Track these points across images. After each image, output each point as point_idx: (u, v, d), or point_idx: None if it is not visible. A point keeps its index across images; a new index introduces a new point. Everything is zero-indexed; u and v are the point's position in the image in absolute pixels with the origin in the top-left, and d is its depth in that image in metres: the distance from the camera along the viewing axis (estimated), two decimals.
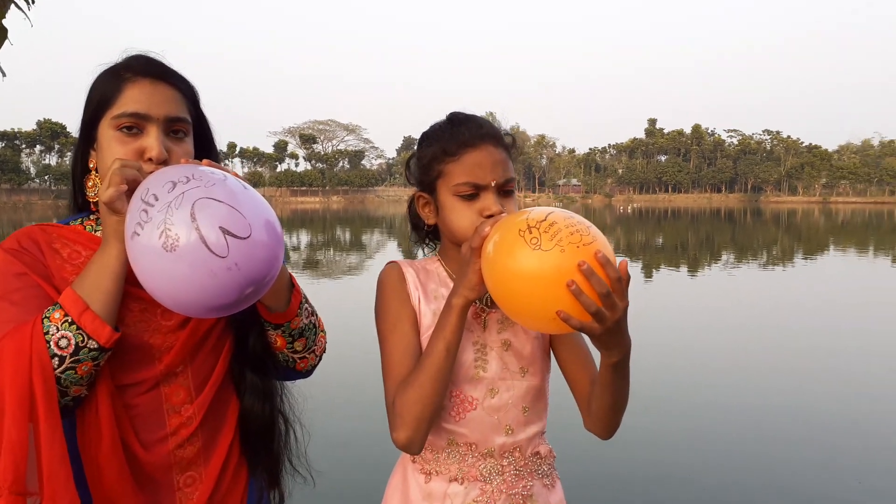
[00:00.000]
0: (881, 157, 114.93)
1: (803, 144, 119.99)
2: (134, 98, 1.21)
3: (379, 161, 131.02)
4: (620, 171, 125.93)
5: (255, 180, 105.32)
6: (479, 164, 1.35)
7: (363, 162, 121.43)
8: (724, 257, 20.13)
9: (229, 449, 1.32)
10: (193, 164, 1.15)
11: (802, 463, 4.45)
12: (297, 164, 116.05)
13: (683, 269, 16.80)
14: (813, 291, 12.67)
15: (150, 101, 1.21)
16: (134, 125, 1.21)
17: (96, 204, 1.29)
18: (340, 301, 10.94)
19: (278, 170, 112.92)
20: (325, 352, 1.45)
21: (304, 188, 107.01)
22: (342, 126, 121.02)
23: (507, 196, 1.38)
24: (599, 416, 1.38)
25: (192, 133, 1.29)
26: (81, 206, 1.33)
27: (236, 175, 1.17)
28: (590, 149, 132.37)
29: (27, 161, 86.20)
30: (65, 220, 1.32)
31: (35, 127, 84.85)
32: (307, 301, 1.37)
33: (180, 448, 1.26)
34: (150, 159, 1.20)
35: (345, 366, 6.25)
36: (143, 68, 1.24)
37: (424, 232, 1.52)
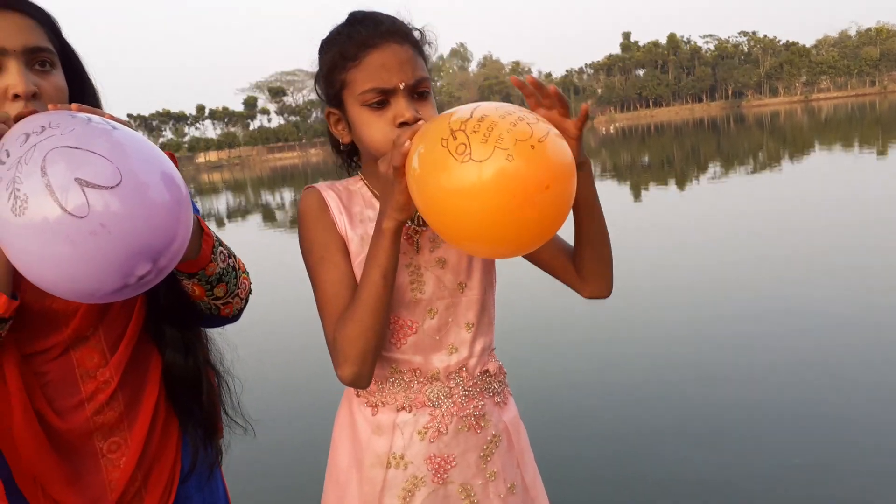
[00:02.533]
0: (859, 46, 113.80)
1: (780, 43, 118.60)
2: None
3: None
4: (599, 91, 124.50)
5: (229, 140, 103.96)
6: (384, 66, 1.21)
7: None
8: (710, 169, 19.87)
9: (155, 408, 1.27)
10: (58, 111, 1.00)
11: (804, 371, 4.17)
12: (269, 120, 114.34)
13: (672, 185, 16.50)
14: (802, 194, 12.39)
15: (2, 34, 1.08)
16: None
17: None
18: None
19: (251, 128, 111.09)
20: (250, 293, 1.37)
21: (280, 144, 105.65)
22: (310, 74, 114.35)
23: (422, 99, 1.24)
24: (596, 274, 1.35)
25: (62, 67, 1.17)
26: None
27: (112, 117, 1.04)
28: (566, 71, 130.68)
29: None
30: None
31: None
32: (221, 244, 1.26)
33: (99, 413, 1.21)
34: (15, 96, 1.07)
35: (288, 310, 6.28)
36: None
37: (345, 153, 1.38)
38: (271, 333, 5.80)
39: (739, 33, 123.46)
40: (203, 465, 1.34)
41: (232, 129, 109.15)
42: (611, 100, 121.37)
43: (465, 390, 1.35)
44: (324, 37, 1.31)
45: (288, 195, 28.94)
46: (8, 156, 0.95)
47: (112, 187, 0.92)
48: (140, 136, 1.01)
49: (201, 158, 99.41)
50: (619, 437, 3.75)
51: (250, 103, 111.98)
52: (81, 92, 1.22)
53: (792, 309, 5.71)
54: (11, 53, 1.08)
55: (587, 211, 1.27)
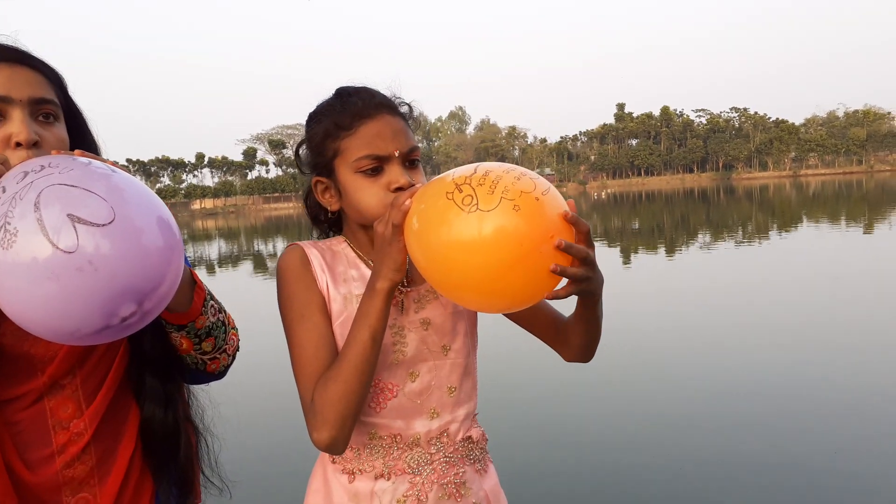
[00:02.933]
0: (846, 127, 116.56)
1: (770, 119, 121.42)
2: None
3: None
4: (593, 157, 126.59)
5: (226, 189, 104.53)
6: (379, 135, 1.24)
7: None
8: (700, 237, 20.13)
9: (129, 463, 1.21)
10: (63, 155, 1.03)
11: (795, 436, 4.23)
12: (267, 171, 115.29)
13: (661, 251, 16.70)
14: (789, 265, 12.60)
15: (9, 84, 1.12)
16: None
17: None
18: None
19: (249, 177, 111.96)
20: (238, 350, 1.34)
21: (276, 194, 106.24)
22: None
23: (413, 167, 1.28)
24: (583, 347, 1.35)
25: (65, 122, 1.20)
26: None
27: (114, 164, 1.06)
28: (561, 137, 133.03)
29: None
30: None
31: None
32: (212, 297, 1.26)
33: (69, 467, 1.16)
34: (18, 144, 1.10)
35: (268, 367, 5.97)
36: None
37: (327, 223, 1.40)
38: (253, 390, 5.69)
39: (731, 109, 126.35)
40: None
41: (230, 178, 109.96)
42: (603, 166, 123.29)
43: (445, 457, 1.31)
44: (312, 110, 1.34)
45: (280, 244, 28.84)
46: (3, 192, 0.96)
47: (104, 225, 0.91)
48: (138, 181, 1.03)
49: (197, 205, 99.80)
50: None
51: (250, 154, 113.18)
52: (82, 146, 1.23)
53: (771, 377, 5.80)
54: (17, 103, 1.12)
55: (592, 302, 1.24)
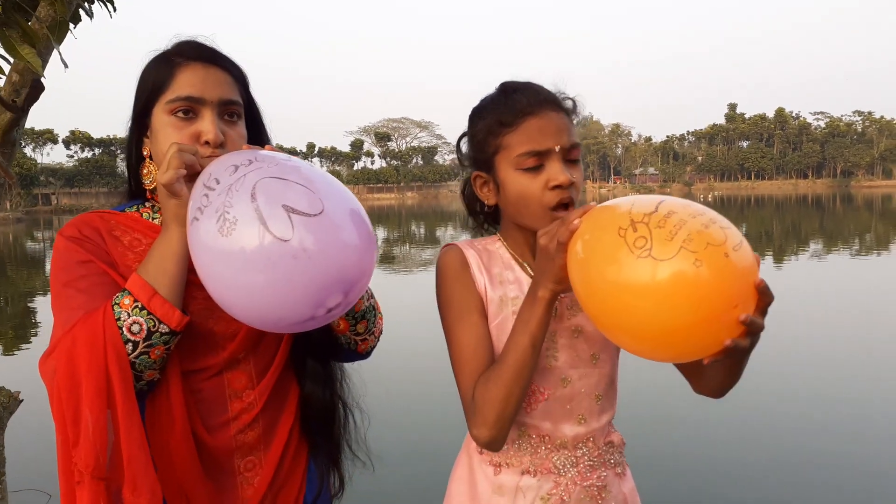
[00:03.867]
0: None
1: None
2: (187, 82, 1.20)
3: (452, 156, 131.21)
4: (700, 158, 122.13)
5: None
6: (541, 131, 1.24)
7: (436, 158, 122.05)
8: (811, 246, 19.32)
9: (289, 434, 1.31)
10: (256, 149, 1.13)
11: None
12: (372, 162, 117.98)
13: (768, 258, 16.28)
14: None
15: (203, 85, 1.21)
16: (189, 109, 1.20)
17: (152, 192, 1.29)
18: (406, 289, 10.97)
19: (355, 168, 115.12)
20: (381, 333, 1.42)
21: (379, 185, 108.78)
22: (415, 123, 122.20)
23: (573, 164, 1.27)
24: (717, 387, 1.26)
25: (244, 118, 1.28)
26: (136, 194, 1.33)
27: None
28: (667, 136, 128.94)
29: (122, 166, 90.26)
30: (119, 206, 1.31)
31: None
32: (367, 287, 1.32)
33: (241, 433, 1.26)
34: (206, 143, 1.19)
35: (406, 353, 6.33)
36: (194, 53, 1.23)
37: (483, 215, 1.42)
38: (398, 372, 5.91)
39: (853, 112, 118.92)
40: (326, 494, 1.38)
41: (337, 168, 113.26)
42: (711, 168, 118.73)
43: (590, 460, 1.33)
44: (476, 105, 1.35)
45: (381, 232, 29.35)
46: (218, 183, 1.02)
47: (315, 215, 0.95)
48: (333, 177, 1.08)
49: None
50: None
51: (357, 145, 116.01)
52: (258, 139, 1.31)
53: (883, 391, 5.68)
54: (209, 104, 1.20)
55: (742, 358, 1.13)
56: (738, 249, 0.94)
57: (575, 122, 1.31)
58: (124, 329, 1.08)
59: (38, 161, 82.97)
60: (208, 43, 1.26)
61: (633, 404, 4.95)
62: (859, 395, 5.58)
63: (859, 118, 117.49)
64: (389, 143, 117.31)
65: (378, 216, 48.97)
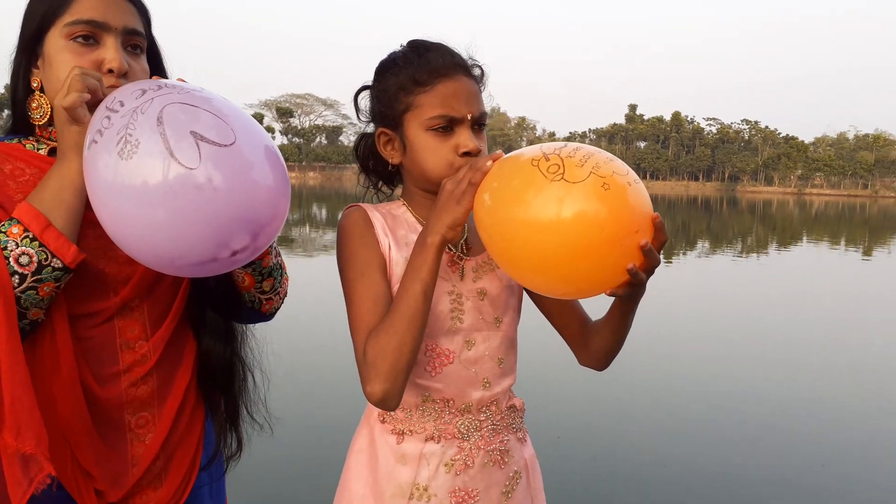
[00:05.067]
0: (855, 150, 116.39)
1: (780, 135, 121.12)
2: (90, 5, 1.12)
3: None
4: None
5: None
6: (455, 95, 1.23)
7: (341, 138, 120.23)
8: (699, 245, 20.19)
9: (185, 391, 1.26)
10: (168, 80, 1.05)
11: (766, 452, 4.34)
12: (273, 138, 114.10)
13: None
14: (784, 282, 12.71)
15: (106, 9, 1.13)
16: (90, 34, 1.12)
17: (41, 128, 1.19)
18: (306, 270, 10.72)
19: None
20: (286, 295, 1.38)
21: None
22: (320, 101, 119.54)
23: (480, 133, 1.28)
24: (604, 353, 1.35)
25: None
26: (19, 129, 1.21)
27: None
28: (570, 133, 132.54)
29: None
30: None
31: (2, 91, 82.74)
32: (274, 243, 1.26)
33: (133, 386, 1.19)
34: (109, 70, 1.11)
35: (313, 317, 6.42)
36: None
37: (381, 176, 1.40)
38: (303, 335, 5.99)
39: (742, 121, 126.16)
40: (222, 456, 1.34)
41: None
42: None
43: (493, 424, 1.34)
44: (383, 58, 1.32)
45: None
46: (122, 105, 0.96)
47: (226, 146, 0.89)
48: (245, 112, 1.03)
49: None
50: (629, 476, 3.93)
51: (257, 119, 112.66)
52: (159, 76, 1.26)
53: (750, 390, 5.93)
54: (112, 30, 1.13)
55: (629, 309, 1.24)
56: (638, 183, 1.02)
57: (482, 90, 1.31)
58: (11, 259, 1.01)
59: None
60: None
61: (531, 374, 5.01)
62: (737, 387, 5.82)
63: (747, 126, 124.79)
64: (292, 120, 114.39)
65: None
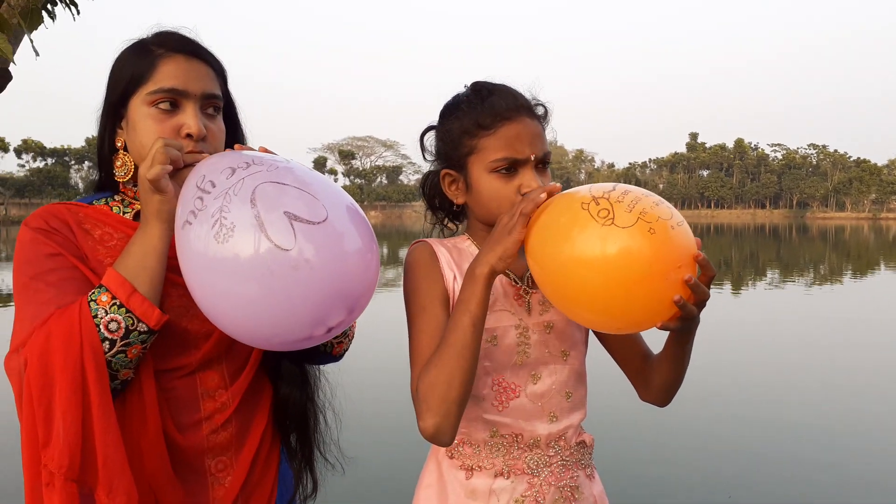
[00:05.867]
0: None
1: (851, 159, 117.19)
2: (170, 73, 1.17)
3: (416, 176, 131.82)
4: (661, 186, 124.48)
5: None
6: (518, 137, 1.25)
7: (401, 177, 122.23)
8: (769, 275, 19.61)
9: (262, 435, 1.29)
10: (250, 151, 1.09)
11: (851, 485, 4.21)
12: (336, 180, 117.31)
13: (727, 286, 16.40)
14: (861, 310, 12.21)
15: (186, 77, 1.18)
16: (171, 101, 1.17)
17: (125, 184, 1.26)
18: (371, 305, 10.81)
19: None
20: (354, 336, 1.41)
21: None
22: (380, 142, 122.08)
23: (544, 172, 1.29)
24: (664, 388, 1.34)
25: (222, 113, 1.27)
26: (104, 186, 1.28)
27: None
28: (629, 163, 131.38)
29: (76, 177, 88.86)
30: (86, 199, 1.26)
31: (83, 144, 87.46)
32: None
33: (214, 433, 1.23)
34: (188, 136, 1.16)
35: (376, 364, 6.43)
36: (177, 44, 1.20)
37: (447, 213, 1.42)
38: (371, 374, 6.03)
39: (809, 145, 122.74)
40: (299, 497, 1.37)
41: None
42: (672, 196, 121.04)
43: (562, 460, 1.32)
44: (448, 101, 1.34)
45: None
46: (213, 186, 0.98)
47: (319, 223, 0.90)
48: (330, 180, 1.06)
49: None
50: None
51: (320, 162, 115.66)
52: (234, 135, 1.31)
53: (832, 419, 5.74)
54: (192, 97, 1.18)
55: (686, 339, 1.24)
56: (682, 225, 1.08)
57: (547, 124, 1.32)
58: (101, 326, 1.05)
59: None
60: (191, 35, 1.24)
61: (597, 408, 4.86)
62: (815, 419, 5.63)
63: (814, 151, 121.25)
64: (353, 162, 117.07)
65: None
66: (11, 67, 2.09)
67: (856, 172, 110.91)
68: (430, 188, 1.40)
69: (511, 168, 1.25)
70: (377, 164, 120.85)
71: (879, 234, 50.83)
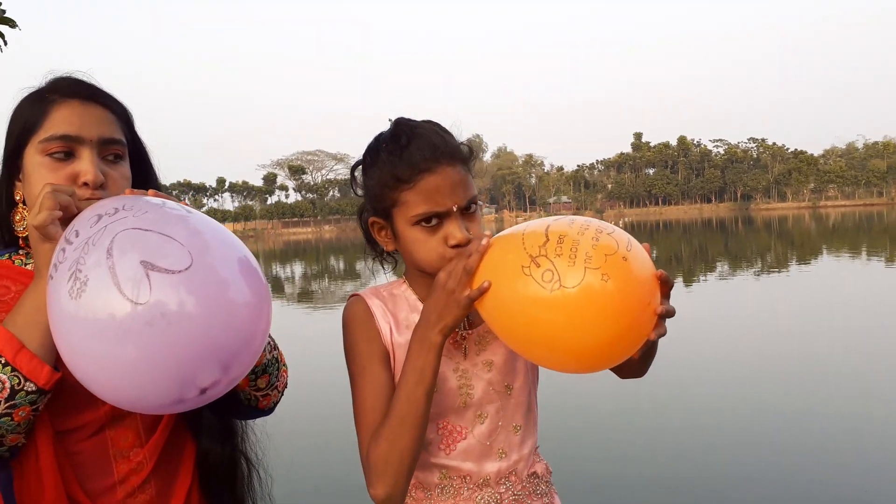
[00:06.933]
0: (866, 158, 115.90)
1: (789, 150, 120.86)
2: (63, 120, 1.12)
3: None
4: (610, 186, 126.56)
5: (246, 213, 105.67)
6: (438, 190, 1.21)
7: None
8: (718, 267, 20.08)
9: (187, 495, 1.22)
10: (135, 195, 1.03)
11: (789, 470, 4.34)
12: (287, 196, 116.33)
13: (678, 281, 16.74)
14: (807, 297, 12.60)
15: (80, 122, 1.13)
16: (65, 149, 1.11)
17: (25, 240, 1.18)
18: (324, 322, 10.71)
19: (269, 202, 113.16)
20: (286, 387, 1.34)
21: (295, 219, 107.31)
22: (330, 156, 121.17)
23: (470, 217, 1.26)
24: (640, 370, 1.29)
25: (129, 157, 1.21)
26: (8, 242, 1.21)
27: (186, 204, 1.04)
28: (578, 165, 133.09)
29: None
30: None
31: None
32: (269, 335, 1.21)
33: (131, 497, 1.15)
34: (84, 184, 1.10)
35: (317, 401, 6.10)
36: (70, 89, 1.15)
37: (383, 252, 1.37)
38: (302, 421, 5.63)
39: (749, 139, 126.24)
40: None
41: (250, 203, 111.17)
42: (620, 195, 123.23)
43: (514, 495, 1.31)
44: (370, 144, 1.30)
45: (298, 268, 29.15)
46: (77, 236, 0.92)
47: (180, 271, 0.82)
48: (216, 222, 0.98)
49: None
50: None
51: (270, 179, 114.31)
52: (145, 181, 1.24)
53: (782, 407, 5.93)
54: (87, 143, 1.12)
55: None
56: (631, 249, 1.00)
57: (473, 164, 1.29)
58: None
59: None
60: (86, 79, 1.19)
61: (556, 427, 5.07)
62: (768, 406, 5.78)
63: (754, 145, 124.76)
64: (304, 176, 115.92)
65: (295, 251, 48.46)
66: None
67: (794, 164, 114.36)
68: (364, 228, 1.37)
69: (436, 222, 1.23)
70: (328, 177, 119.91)
71: (820, 222, 52.62)
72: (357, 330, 1.29)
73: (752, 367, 7.28)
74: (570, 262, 0.97)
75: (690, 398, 6.19)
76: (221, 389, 0.90)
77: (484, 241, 1.16)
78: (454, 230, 1.22)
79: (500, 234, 1.16)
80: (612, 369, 1.35)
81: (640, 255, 1.02)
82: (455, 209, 1.22)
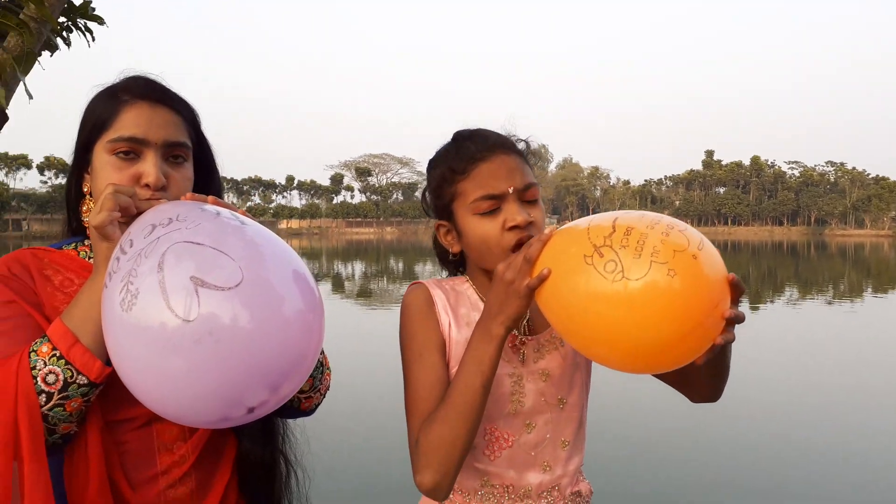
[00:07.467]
0: None
1: (870, 176, 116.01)
2: (131, 121, 1.15)
3: None
4: (677, 202, 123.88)
5: (312, 211, 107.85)
6: (493, 174, 1.23)
7: (416, 194, 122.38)
8: (787, 292, 19.43)
9: (225, 491, 1.24)
10: (190, 202, 1.05)
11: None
12: (352, 197, 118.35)
13: (744, 303, 16.26)
14: (881, 329, 12.05)
15: (148, 125, 1.16)
16: (131, 150, 1.15)
17: None
18: (381, 324, 10.80)
19: (334, 202, 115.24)
20: (328, 390, 1.35)
21: (359, 219, 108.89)
22: (396, 159, 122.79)
23: (531, 204, 1.25)
24: (711, 389, 1.25)
25: (193, 158, 1.23)
26: (76, 230, 1.26)
27: (244, 213, 1.05)
28: (645, 180, 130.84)
29: None
30: (58, 244, 1.25)
31: None
32: None
33: (171, 488, 1.18)
34: (146, 185, 1.13)
35: (368, 393, 6.13)
36: (141, 91, 1.18)
37: (453, 263, 1.38)
38: (344, 422, 5.57)
39: (826, 162, 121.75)
40: None
41: (316, 201, 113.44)
42: (688, 213, 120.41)
43: None
44: (431, 156, 1.34)
45: (359, 267, 29.56)
46: (131, 246, 0.92)
47: (230, 288, 0.80)
48: (271, 233, 0.97)
49: (284, 225, 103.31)
50: None
51: (337, 179, 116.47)
52: (208, 183, 1.27)
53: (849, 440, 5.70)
54: (152, 145, 1.15)
55: (723, 352, 1.16)
56: (703, 248, 0.95)
57: (533, 162, 1.31)
58: (39, 379, 1.01)
59: (11, 186, 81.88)
60: (158, 80, 1.21)
61: (600, 444, 5.00)
62: (832, 437, 5.61)
63: (832, 168, 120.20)
64: (370, 178, 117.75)
65: (357, 250, 49.22)
66: (8, 111, 2.07)
67: (875, 190, 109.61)
68: (435, 243, 1.39)
69: (494, 207, 1.23)
70: (393, 180, 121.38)
71: None
72: (417, 315, 1.28)
73: (823, 397, 7.03)
74: (636, 254, 0.92)
75: (744, 423, 5.99)
76: (270, 408, 0.90)
77: (547, 230, 1.14)
78: (513, 212, 1.21)
79: (565, 225, 1.11)
80: (683, 392, 1.31)
81: (711, 256, 0.96)
82: (511, 191, 1.22)
